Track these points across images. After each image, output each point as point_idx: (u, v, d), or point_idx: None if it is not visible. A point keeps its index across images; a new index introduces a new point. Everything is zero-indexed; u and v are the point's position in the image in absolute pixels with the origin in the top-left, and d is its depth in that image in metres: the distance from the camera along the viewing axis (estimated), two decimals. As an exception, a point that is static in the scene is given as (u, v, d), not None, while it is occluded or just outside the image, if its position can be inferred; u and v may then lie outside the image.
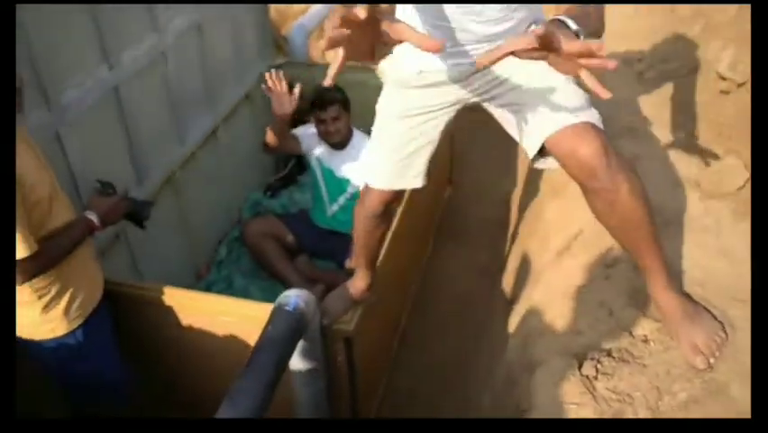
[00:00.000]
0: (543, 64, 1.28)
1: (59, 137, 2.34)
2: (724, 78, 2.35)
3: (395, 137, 1.83)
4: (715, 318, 1.63)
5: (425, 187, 1.95)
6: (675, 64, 2.75)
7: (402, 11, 1.66)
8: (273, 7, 4.70)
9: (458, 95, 1.72)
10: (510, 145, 2.70)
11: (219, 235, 3.58)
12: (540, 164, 1.59)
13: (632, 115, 2.51)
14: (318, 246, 3.35)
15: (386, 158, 1.87)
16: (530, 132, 1.55)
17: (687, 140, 2.29)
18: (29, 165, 1.83)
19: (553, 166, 1.59)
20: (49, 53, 2.24)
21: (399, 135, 1.82)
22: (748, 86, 2.29)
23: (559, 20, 1.19)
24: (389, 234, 2.47)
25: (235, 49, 3.59)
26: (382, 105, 1.87)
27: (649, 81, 2.73)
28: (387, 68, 1.80)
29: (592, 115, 1.50)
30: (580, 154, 1.43)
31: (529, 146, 1.55)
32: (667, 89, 2.61)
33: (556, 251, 2.26)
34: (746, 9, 2.67)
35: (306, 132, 3.36)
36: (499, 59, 1.18)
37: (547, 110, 1.50)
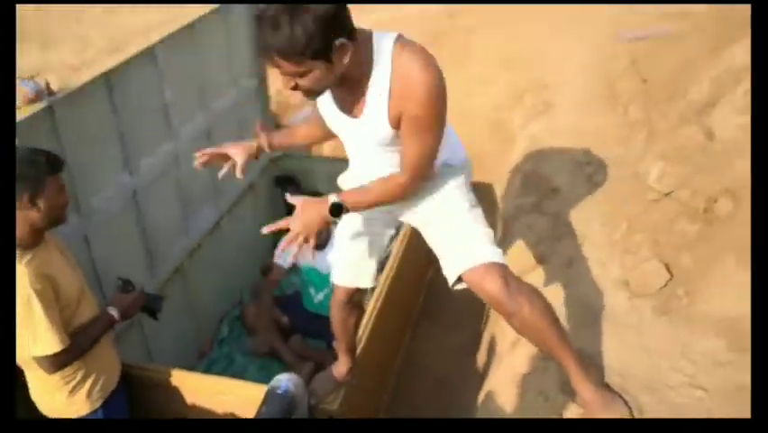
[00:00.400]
0: (455, 207, 1.81)
1: (86, 239, 2.73)
2: (653, 188, 2.75)
3: (348, 244, 2.29)
4: (626, 404, 1.98)
5: (408, 271, 2.38)
6: (620, 169, 3.15)
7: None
8: (275, 100, 5.17)
9: (390, 216, 2.19)
10: (505, 235, 3.08)
11: (221, 314, 3.94)
12: (458, 287, 1.98)
13: (577, 217, 2.90)
14: (309, 327, 3.72)
15: (342, 260, 2.33)
16: (449, 267, 1.98)
17: (620, 242, 2.66)
18: (62, 270, 2.21)
19: (465, 286, 1.99)
20: (82, 167, 2.66)
21: (351, 243, 2.27)
22: (673, 195, 2.69)
23: None
24: (372, 318, 2.85)
25: (239, 145, 4.02)
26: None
27: (596, 184, 3.12)
28: (341, 182, 2.25)
29: (495, 254, 1.92)
30: (486, 288, 1.86)
31: (448, 276, 1.99)
32: (610, 193, 3.00)
33: (510, 341, 2.61)
34: (688, 124, 3.11)
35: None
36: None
37: (460, 251, 1.94)
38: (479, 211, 2.04)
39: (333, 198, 1.92)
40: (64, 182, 2.15)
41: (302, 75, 1.67)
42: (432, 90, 1.73)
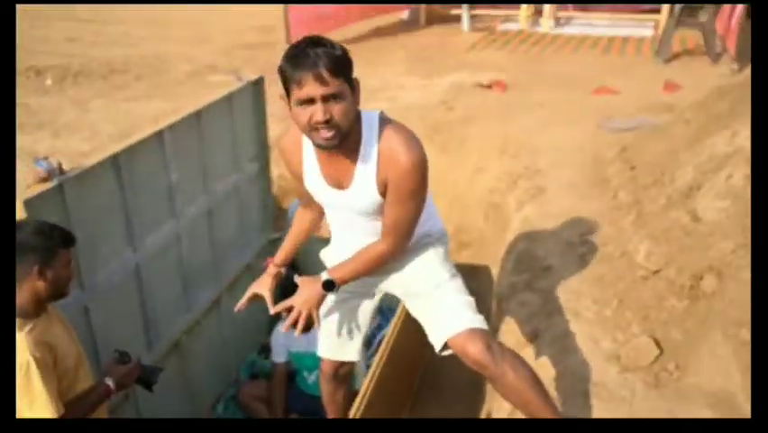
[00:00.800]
0: (436, 277, 1.92)
1: (86, 310, 2.79)
2: (642, 267, 2.83)
3: (334, 320, 2.37)
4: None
5: (406, 346, 2.45)
6: (610, 248, 3.24)
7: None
8: (277, 184, 5.33)
9: (375, 285, 2.28)
10: (499, 312, 3.13)
11: (217, 393, 3.93)
12: (445, 353, 2.06)
13: (570, 294, 2.96)
14: (304, 407, 3.71)
15: (327, 335, 2.41)
16: (434, 335, 2.09)
17: (611, 318, 2.72)
18: (62, 339, 2.25)
19: (451, 352, 2.06)
20: (87, 242, 2.74)
21: (337, 319, 2.36)
22: (662, 273, 2.77)
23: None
24: (368, 392, 2.86)
25: (240, 226, 4.13)
26: None
27: (587, 262, 3.20)
28: (323, 256, 2.37)
29: (477, 321, 2.03)
30: (469, 353, 1.95)
31: (434, 344, 2.09)
32: (601, 271, 3.08)
33: (508, 413, 2.62)
34: (674, 208, 3.22)
35: (279, 332, 3.83)
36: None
37: (444, 320, 2.06)
38: (459, 280, 2.15)
39: (324, 276, 2.08)
40: (72, 257, 2.23)
41: (338, 99, 1.78)
42: (415, 163, 1.89)
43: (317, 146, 1.90)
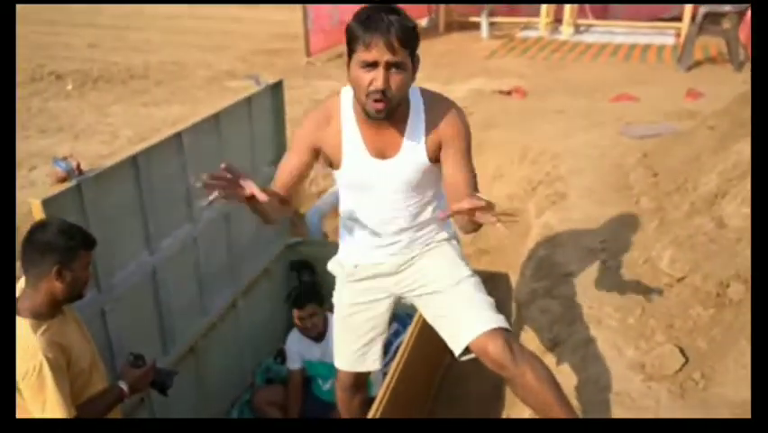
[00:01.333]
0: (458, 273, 1.85)
1: (103, 313, 2.77)
2: (666, 274, 2.77)
3: (350, 330, 2.33)
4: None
5: (424, 353, 2.39)
6: (633, 255, 3.18)
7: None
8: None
9: (390, 287, 2.22)
10: (519, 319, 3.09)
11: (232, 398, 3.90)
12: (464, 358, 2.01)
13: (592, 301, 2.90)
14: (319, 414, 3.66)
15: (346, 347, 2.37)
16: (453, 338, 2.04)
17: (635, 326, 2.66)
18: (75, 341, 2.23)
19: (472, 357, 2.01)
20: (104, 243, 2.72)
21: (354, 329, 2.33)
22: (686, 280, 2.71)
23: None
24: (383, 400, 2.81)
25: (257, 230, 4.09)
26: (336, 300, 2.38)
27: (610, 270, 3.15)
28: (332, 267, 2.31)
29: (498, 320, 1.98)
30: (489, 352, 1.90)
31: (455, 348, 2.03)
32: (623, 278, 3.02)
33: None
34: (698, 214, 3.15)
35: (292, 340, 3.83)
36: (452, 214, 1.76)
37: (465, 321, 2.00)
38: (478, 278, 2.11)
39: None
40: (91, 260, 2.22)
41: (401, 70, 1.80)
42: (467, 123, 2.03)
43: (367, 115, 1.89)
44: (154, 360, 2.62)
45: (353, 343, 2.38)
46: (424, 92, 2.02)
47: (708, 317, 2.47)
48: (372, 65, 1.79)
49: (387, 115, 1.86)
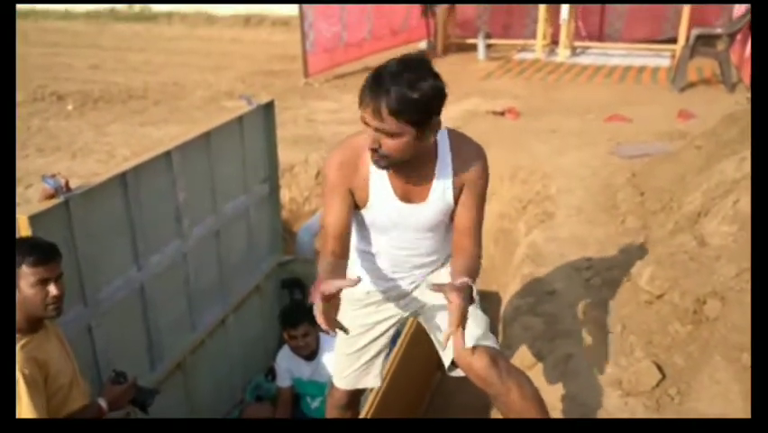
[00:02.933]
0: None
1: (89, 328, 2.80)
2: (646, 291, 2.80)
3: (353, 351, 2.33)
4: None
5: (414, 371, 2.40)
6: (616, 273, 3.21)
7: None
8: (287, 208, 5.37)
9: (398, 310, 2.22)
10: (503, 336, 3.12)
11: (221, 415, 3.91)
12: (453, 373, 2.03)
13: (573, 318, 2.93)
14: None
15: (347, 365, 2.36)
16: (444, 354, 2.05)
17: (614, 342, 2.69)
18: (55, 356, 2.24)
19: (461, 374, 2.02)
20: (91, 263, 2.77)
21: (357, 350, 2.32)
22: (666, 297, 2.73)
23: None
24: (369, 415, 2.83)
25: (248, 248, 4.14)
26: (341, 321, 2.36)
27: (593, 287, 3.17)
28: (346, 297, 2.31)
29: (487, 338, 1.99)
30: (474, 368, 1.90)
31: (444, 360, 2.05)
32: (606, 296, 3.05)
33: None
34: (681, 233, 3.19)
35: (282, 358, 3.83)
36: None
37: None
38: (478, 298, 2.12)
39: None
40: (50, 276, 2.11)
41: (393, 136, 1.77)
42: (487, 164, 2.02)
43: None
44: (135, 377, 2.63)
45: (356, 362, 2.38)
46: (451, 133, 2.01)
47: (685, 333, 2.50)
48: (366, 124, 1.80)
49: (387, 167, 1.88)
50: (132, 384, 2.50)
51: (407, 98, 1.71)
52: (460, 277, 1.83)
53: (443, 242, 2.15)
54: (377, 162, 1.86)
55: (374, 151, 1.81)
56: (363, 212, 2.06)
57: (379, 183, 1.98)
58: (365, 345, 2.35)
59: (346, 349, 2.38)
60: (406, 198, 2.00)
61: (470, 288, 1.81)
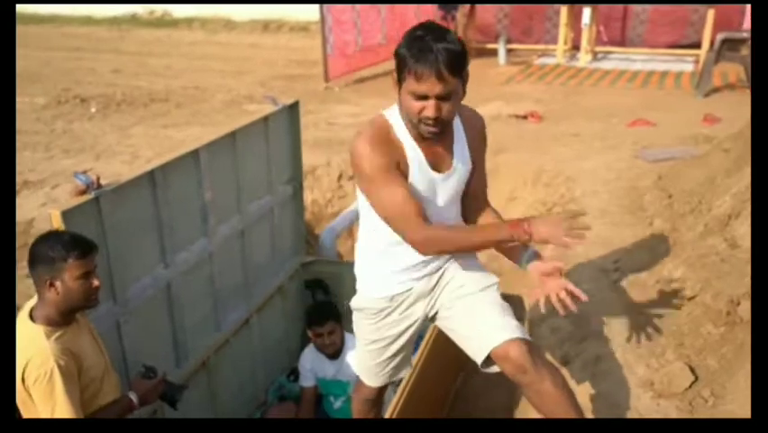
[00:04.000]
0: (486, 279, 1.89)
1: (118, 325, 2.81)
2: (677, 293, 2.76)
3: (381, 359, 2.34)
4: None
5: (437, 374, 2.39)
6: (645, 275, 3.18)
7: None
8: (309, 210, 5.37)
9: (422, 310, 2.23)
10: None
11: (244, 414, 3.91)
12: (486, 370, 2.02)
13: (601, 319, 2.90)
14: (331, 431, 3.67)
15: (377, 371, 2.39)
16: (478, 347, 2.04)
17: (645, 343, 2.65)
18: (88, 349, 2.26)
19: (495, 370, 2.01)
20: (121, 260, 2.78)
21: (384, 357, 2.34)
22: (697, 299, 2.69)
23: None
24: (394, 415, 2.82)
25: (272, 248, 4.15)
26: (361, 334, 2.37)
27: (621, 288, 3.14)
28: (360, 304, 2.29)
29: (519, 330, 1.99)
30: (511, 356, 1.90)
31: (478, 357, 2.04)
32: (634, 297, 3.01)
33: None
34: (711, 235, 3.14)
35: (306, 358, 3.83)
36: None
37: (489, 330, 2.01)
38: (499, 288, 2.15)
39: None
40: (91, 268, 2.18)
41: (450, 97, 1.83)
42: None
43: (421, 135, 1.94)
44: (165, 373, 2.65)
45: (385, 367, 2.40)
46: None
47: (718, 335, 2.46)
48: (423, 97, 1.83)
49: (441, 134, 1.94)
50: (161, 379, 2.51)
51: (456, 52, 1.80)
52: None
53: (459, 211, 2.19)
54: (434, 133, 1.89)
55: (436, 119, 1.85)
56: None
57: (415, 156, 1.99)
58: (392, 355, 2.36)
59: (372, 360, 2.38)
60: (436, 167, 2.03)
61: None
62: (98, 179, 2.68)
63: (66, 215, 2.46)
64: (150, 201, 2.99)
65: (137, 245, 2.93)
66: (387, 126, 1.99)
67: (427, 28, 1.83)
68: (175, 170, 3.11)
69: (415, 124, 1.90)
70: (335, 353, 3.69)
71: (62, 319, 2.17)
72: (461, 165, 2.06)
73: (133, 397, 2.41)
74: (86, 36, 14.96)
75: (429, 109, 1.82)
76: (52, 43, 13.38)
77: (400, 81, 1.87)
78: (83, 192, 2.64)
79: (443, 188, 2.06)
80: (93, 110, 8.03)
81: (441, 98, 1.81)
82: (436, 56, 1.75)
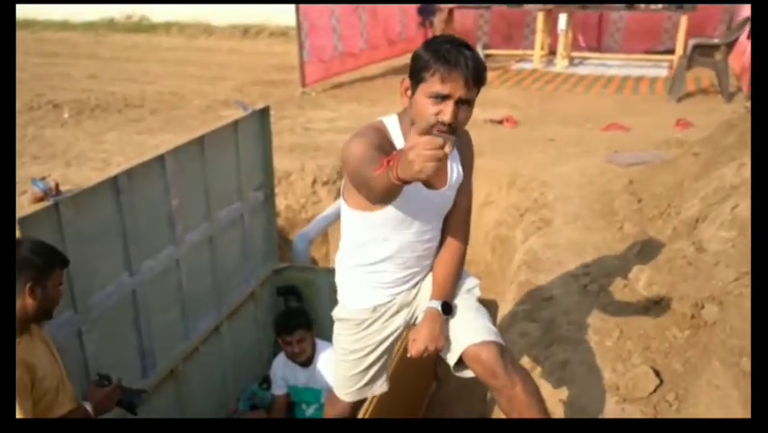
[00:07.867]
0: (467, 282, 2.06)
1: (79, 333, 2.76)
2: (644, 296, 2.77)
3: (358, 370, 2.30)
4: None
5: (409, 381, 2.37)
6: (613, 279, 3.18)
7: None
8: (283, 216, 5.33)
9: (404, 318, 2.20)
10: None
11: (215, 424, 3.86)
12: (459, 374, 2.00)
13: (570, 324, 2.89)
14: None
15: (352, 383, 2.35)
16: (451, 348, 2.02)
17: (612, 348, 2.65)
18: (42, 359, 2.21)
19: (469, 375, 1.99)
20: (82, 264, 2.73)
21: (362, 368, 2.31)
22: (663, 303, 2.70)
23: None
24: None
25: (243, 255, 4.10)
26: (341, 345, 2.33)
27: (590, 293, 3.14)
28: (341, 315, 2.26)
29: (493, 333, 1.99)
30: (482, 358, 1.89)
31: (450, 359, 2.02)
32: (603, 301, 3.01)
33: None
34: (679, 239, 3.16)
35: (277, 365, 3.81)
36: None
37: (461, 332, 1.98)
38: (479, 292, 2.14)
39: (434, 304, 2.06)
40: (62, 280, 2.23)
41: (469, 105, 1.83)
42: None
43: None
44: (120, 379, 2.59)
45: (361, 379, 2.35)
46: None
47: (683, 338, 2.46)
48: (444, 98, 1.78)
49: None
50: (116, 386, 2.45)
51: (483, 65, 1.83)
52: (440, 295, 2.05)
53: (439, 228, 2.16)
54: (452, 132, 1.83)
55: (450, 125, 1.79)
56: (391, 204, 1.92)
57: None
58: (370, 364, 2.31)
59: (348, 371, 2.33)
60: (429, 184, 1.99)
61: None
62: (57, 185, 2.64)
63: (23, 222, 2.42)
64: (114, 208, 2.94)
65: (100, 253, 2.88)
66: (384, 132, 1.96)
67: (454, 38, 1.85)
68: (140, 176, 3.07)
69: (422, 130, 1.77)
70: (307, 360, 3.66)
71: (18, 329, 2.12)
72: (455, 181, 2.05)
73: (89, 406, 2.35)
74: (63, 41, 14.81)
75: (446, 113, 1.77)
76: (28, 48, 13.22)
77: (417, 83, 1.82)
78: (41, 199, 2.59)
79: (434, 205, 2.03)
80: (66, 116, 7.93)
81: (461, 102, 1.79)
82: (466, 61, 1.77)
